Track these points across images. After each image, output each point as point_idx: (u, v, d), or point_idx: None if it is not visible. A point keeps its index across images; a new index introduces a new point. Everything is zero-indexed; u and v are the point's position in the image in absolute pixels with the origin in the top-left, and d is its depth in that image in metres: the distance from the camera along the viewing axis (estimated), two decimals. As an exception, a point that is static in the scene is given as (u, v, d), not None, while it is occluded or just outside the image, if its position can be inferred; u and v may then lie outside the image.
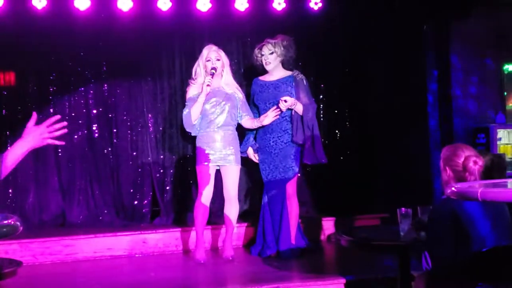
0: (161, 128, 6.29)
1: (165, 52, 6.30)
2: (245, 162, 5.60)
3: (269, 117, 5.22)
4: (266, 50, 5.37)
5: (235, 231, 5.46)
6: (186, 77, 5.78)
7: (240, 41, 6.38)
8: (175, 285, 4.72)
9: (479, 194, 2.54)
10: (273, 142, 5.36)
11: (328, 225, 6.10)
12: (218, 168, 5.26)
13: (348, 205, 6.25)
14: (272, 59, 5.37)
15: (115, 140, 6.21)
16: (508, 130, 5.92)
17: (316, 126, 5.34)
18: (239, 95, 5.35)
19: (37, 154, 6.00)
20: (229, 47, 6.14)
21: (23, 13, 5.81)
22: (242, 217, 5.72)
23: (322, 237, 6.09)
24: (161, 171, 6.25)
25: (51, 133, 2.76)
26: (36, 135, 2.74)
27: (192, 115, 5.14)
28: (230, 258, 5.22)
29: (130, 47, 6.13)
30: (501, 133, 5.86)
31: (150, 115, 6.26)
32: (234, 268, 5.11)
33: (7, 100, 6.05)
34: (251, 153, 5.48)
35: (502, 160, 5.13)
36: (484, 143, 5.79)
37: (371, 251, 4.80)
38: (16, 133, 5.61)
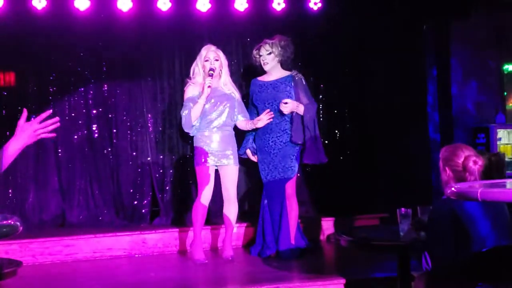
0: (160, 128, 6.29)
1: (165, 52, 6.30)
2: (245, 162, 5.60)
3: (262, 120, 5.22)
4: (264, 50, 5.37)
5: (234, 231, 5.47)
6: (186, 77, 5.75)
7: (240, 41, 6.38)
8: (174, 285, 4.71)
9: (479, 194, 2.54)
10: (272, 142, 5.35)
11: (328, 225, 6.10)
12: (216, 168, 5.27)
13: (348, 205, 6.24)
14: (270, 60, 5.37)
15: (115, 140, 6.21)
16: (508, 130, 5.93)
17: (317, 126, 5.34)
18: (236, 95, 5.35)
19: (37, 154, 6.02)
20: (228, 47, 6.15)
21: (23, 13, 5.81)
22: (241, 217, 5.71)
23: (322, 237, 6.09)
24: (161, 171, 6.25)
25: (44, 129, 2.78)
26: (29, 131, 2.77)
27: (192, 116, 5.13)
28: (230, 258, 5.22)
29: (130, 47, 6.14)
30: (501, 133, 5.87)
31: (149, 115, 6.26)
32: (234, 268, 5.10)
33: (7, 100, 6.04)
34: (250, 154, 5.49)
35: (500, 158, 5.12)
36: (484, 143, 5.79)
37: (371, 251, 4.78)
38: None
